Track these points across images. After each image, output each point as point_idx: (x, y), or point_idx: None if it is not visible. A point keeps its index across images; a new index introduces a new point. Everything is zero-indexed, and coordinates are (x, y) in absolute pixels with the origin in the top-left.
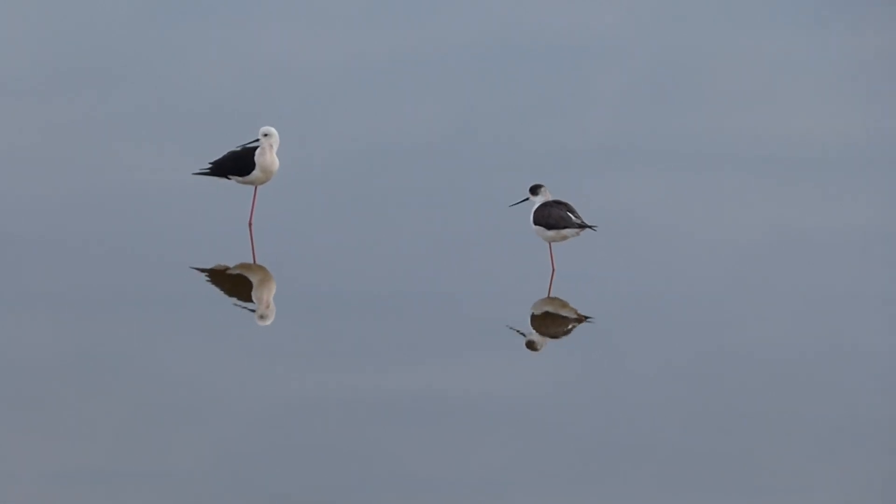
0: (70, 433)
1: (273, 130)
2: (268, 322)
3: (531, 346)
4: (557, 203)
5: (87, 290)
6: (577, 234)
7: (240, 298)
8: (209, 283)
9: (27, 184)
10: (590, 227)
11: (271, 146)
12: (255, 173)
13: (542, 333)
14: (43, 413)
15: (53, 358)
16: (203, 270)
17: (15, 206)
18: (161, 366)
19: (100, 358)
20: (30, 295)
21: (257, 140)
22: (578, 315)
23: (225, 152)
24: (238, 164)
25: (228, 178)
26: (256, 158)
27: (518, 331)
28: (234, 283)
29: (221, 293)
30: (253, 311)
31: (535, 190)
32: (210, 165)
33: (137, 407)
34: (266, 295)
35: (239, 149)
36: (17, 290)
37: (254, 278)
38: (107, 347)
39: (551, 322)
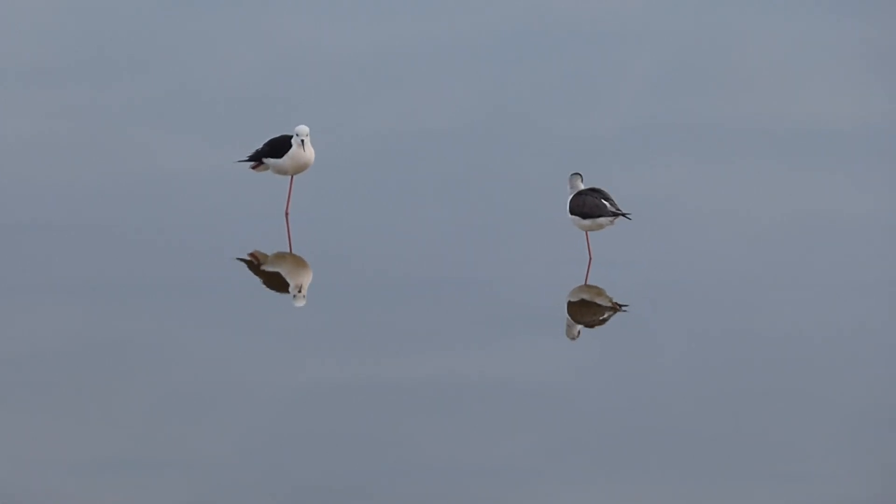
0: (97, 421)
1: (303, 129)
2: (301, 304)
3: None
4: (593, 191)
5: (116, 278)
6: (612, 222)
7: (275, 287)
8: (242, 272)
9: (56, 171)
10: (624, 215)
11: (302, 143)
12: (285, 161)
13: (577, 321)
14: (69, 401)
15: (80, 346)
16: (243, 260)
17: (44, 192)
18: (188, 354)
19: (127, 346)
20: (58, 282)
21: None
22: (613, 303)
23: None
24: (274, 146)
25: (263, 162)
26: (291, 150)
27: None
28: (270, 272)
29: (254, 281)
30: (289, 292)
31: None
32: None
33: (164, 395)
34: (303, 279)
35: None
36: (46, 277)
37: (290, 266)
38: (134, 335)
39: (587, 309)
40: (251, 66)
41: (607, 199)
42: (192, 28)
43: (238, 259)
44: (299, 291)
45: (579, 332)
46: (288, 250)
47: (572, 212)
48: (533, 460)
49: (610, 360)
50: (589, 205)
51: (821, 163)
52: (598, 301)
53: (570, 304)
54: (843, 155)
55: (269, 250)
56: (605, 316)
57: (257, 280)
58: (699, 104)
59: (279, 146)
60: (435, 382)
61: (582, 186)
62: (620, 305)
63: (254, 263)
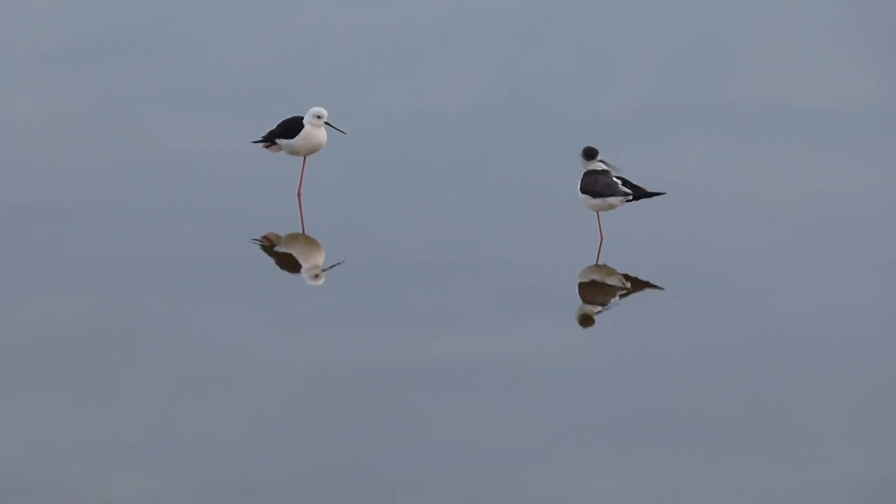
0: (111, 404)
1: (323, 111)
2: (320, 282)
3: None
4: (605, 171)
5: (128, 261)
6: (623, 202)
7: (288, 268)
8: (255, 253)
9: (68, 154)
10: (636, 196)
11: (326, 124)
12: (297, 141)
13: (588, 301)
14: (83, 384)
15: (94, 328)
16: (256, 240)
17: (56, 175)
18: (201, 336)
19: (140, 329)
20: (69, 265)
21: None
22: (623, 282)
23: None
24: (286, 127)
25: (276, 143)
26: (304, 131)
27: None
28: (282, 253)
29: (267, 263)
30: (309, 273)
31: (591, 154)
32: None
33: (179, 377)
34: (318, 261)
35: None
36: (58, 261)
37: (303, 247)
38: (148, 318)
39: (598, 290)
40: (264, 49)
41: (622, 178)
42: (205, 11)
43: (252, 240)
44: (323, 270)
45: (594, 317)
46: (300, 231)
47: (583, 190)
48: (547, 441)
49: (623, 340)
50: (600, 184)
51: (837, 142)
52: (609, 281)
53: (581, 284)
54: (860, 134)
55: (281, 231)
56: (618, 296)
57: (270, 261)
58: (713, 84)
59: (291, 127)
60: (448, 364)
61: (591, 165)
62: (630, 284)
63: (266, 245)
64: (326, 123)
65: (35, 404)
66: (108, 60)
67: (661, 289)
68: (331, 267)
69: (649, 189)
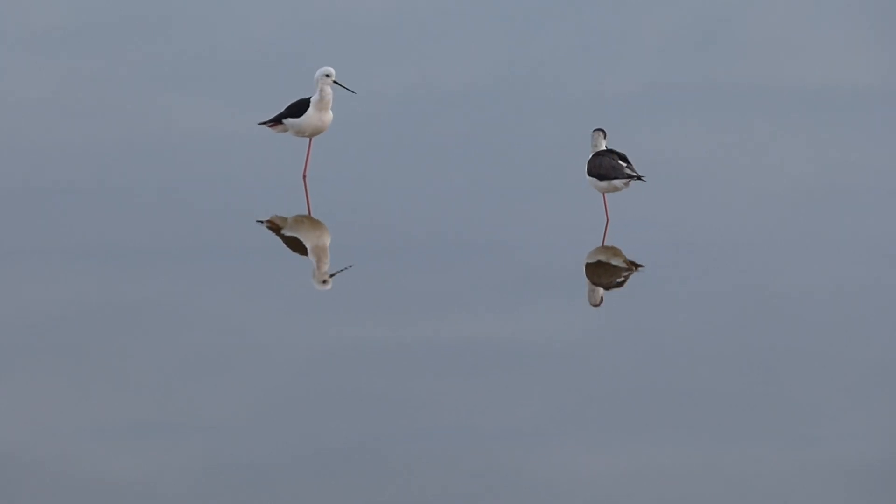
0: (115, 384)
1: (327, 70)
2: (327, 287)
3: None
4: (610, 153)
5: (134, 241)
6: (627, 184)
7: (294, 250)
8: (261, 234)
9: (75, 133)
10: (639, 177)
11: (322, 98)
12: (304, 120)
13: (595, 282)
14: (88, 364)
15: (98, 309)
16: (262, 221)
17: (63, 155)
18: (206, 317)
19: (145, 309)
20: (76, 245)
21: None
22: (628, 263)
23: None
24: (293, 108)
25: (282, 123)
26: (309, 110)
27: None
28: (289, 236)
29: (272, 244)
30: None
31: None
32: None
33: (181, 358)
34: (324, 259)
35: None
36: (65, 240)
37: (309, 233)
38: (152, 298)
39: (604, 271)
40: (270, 28)
41: (625, 160)
42: None
43: (258, 221)
44: (331, 276)
45: (602, 299)
46: (306, 213)
47: (589, 173)
48: (551, 422)
49: (627, 321)
50: (605, 166)
51: (840, 120)
52: (615, 262)
53: (587, 265)
54: (862, 112)
55: (287, 213)
56: (623, 277)
57: (276, 243)
58: (716, 63)
59: (298, 107)
60: (453, 344)
61: (604, 145)
62: (636, 266)
63: (273, 228)
64: (335, 82)
65: (37, 384)
66: (113, 40)
67: (643, 266)
68: (339, 271)
69: (638, 172)
